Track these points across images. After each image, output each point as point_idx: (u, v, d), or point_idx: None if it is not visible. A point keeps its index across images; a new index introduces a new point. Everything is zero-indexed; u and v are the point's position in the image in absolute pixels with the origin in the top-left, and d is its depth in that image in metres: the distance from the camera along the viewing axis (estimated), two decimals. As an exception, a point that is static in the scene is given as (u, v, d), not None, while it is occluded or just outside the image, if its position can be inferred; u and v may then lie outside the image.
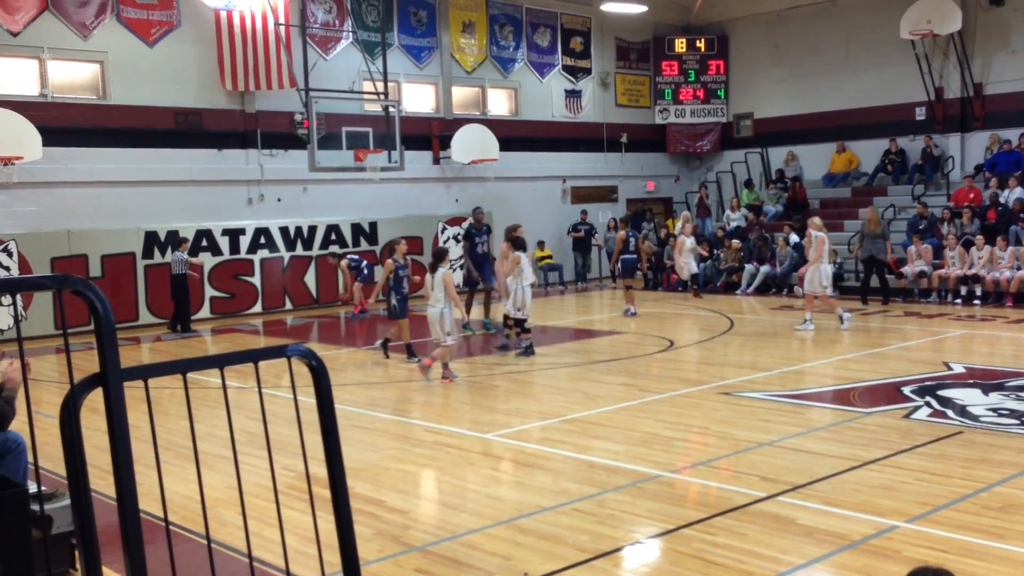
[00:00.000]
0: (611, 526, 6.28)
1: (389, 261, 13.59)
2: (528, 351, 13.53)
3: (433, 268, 11.79)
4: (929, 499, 6.63)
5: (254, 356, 2.41)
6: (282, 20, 19.58)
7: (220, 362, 2.28)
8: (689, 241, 19.97)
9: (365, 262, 19.60)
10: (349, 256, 19.95)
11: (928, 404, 9.67)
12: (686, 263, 19.95)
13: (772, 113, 25.99)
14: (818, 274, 15.22)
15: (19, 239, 16.78)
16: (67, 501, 5.28)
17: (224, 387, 2.64)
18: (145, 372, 2.22)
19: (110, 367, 2.19)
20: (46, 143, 16.70)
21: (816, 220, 15.73)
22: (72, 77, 18.14)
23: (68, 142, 17.43)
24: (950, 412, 9.32)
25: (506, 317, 14.25)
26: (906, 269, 19.29)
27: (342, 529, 2.44)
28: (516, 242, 13.63)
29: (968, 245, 18.71)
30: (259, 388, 2.57)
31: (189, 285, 17.46)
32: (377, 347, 14.18)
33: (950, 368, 11.73)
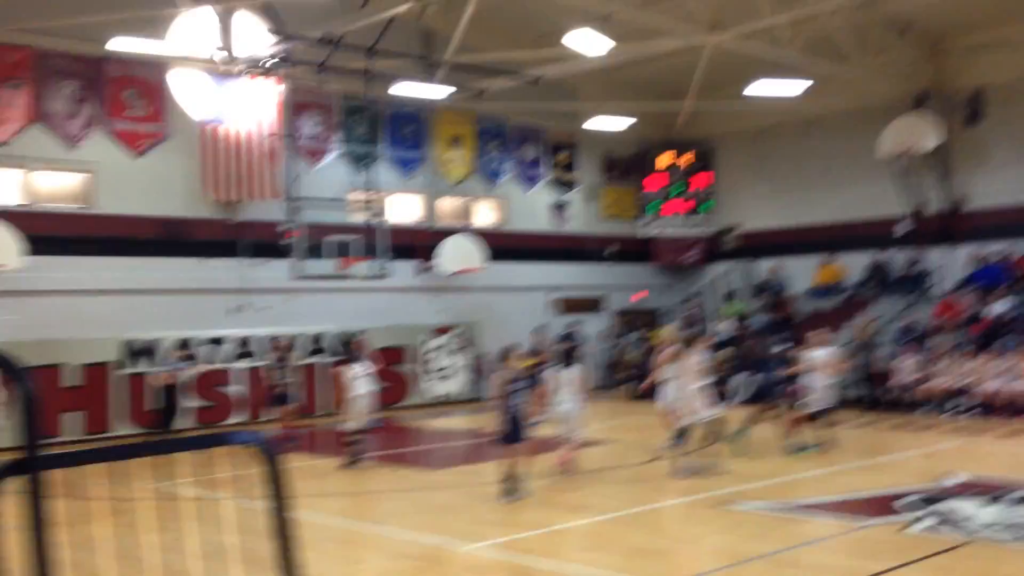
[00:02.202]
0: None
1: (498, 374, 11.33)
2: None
3: (567, 365, 12.08)
4: (934, 616, 6.28)
5: (195, 443, 2.19)
6: (272, 132, 19.80)
7: (152, 450, 2.06)
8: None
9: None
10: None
11: (927, 516, 9.34)
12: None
13: (758, 226, 26.24)
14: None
15: (-4, 347, 16.46)
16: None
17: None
18: (69, 459, 1.99)
19: (31, 452, 1.96)
20: (29, 251, 16.58)
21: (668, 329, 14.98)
22: (58, 186, 18.17)
23: (52, 251, 17.30)
24: (949, 525, 8.99)
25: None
26: (894, 381, 19.11)
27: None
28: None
29: (960, 356, 18.60)
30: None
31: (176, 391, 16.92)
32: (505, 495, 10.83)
33: (947, 480, 11.41)
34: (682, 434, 12.35)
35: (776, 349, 20.86)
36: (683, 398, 12.47)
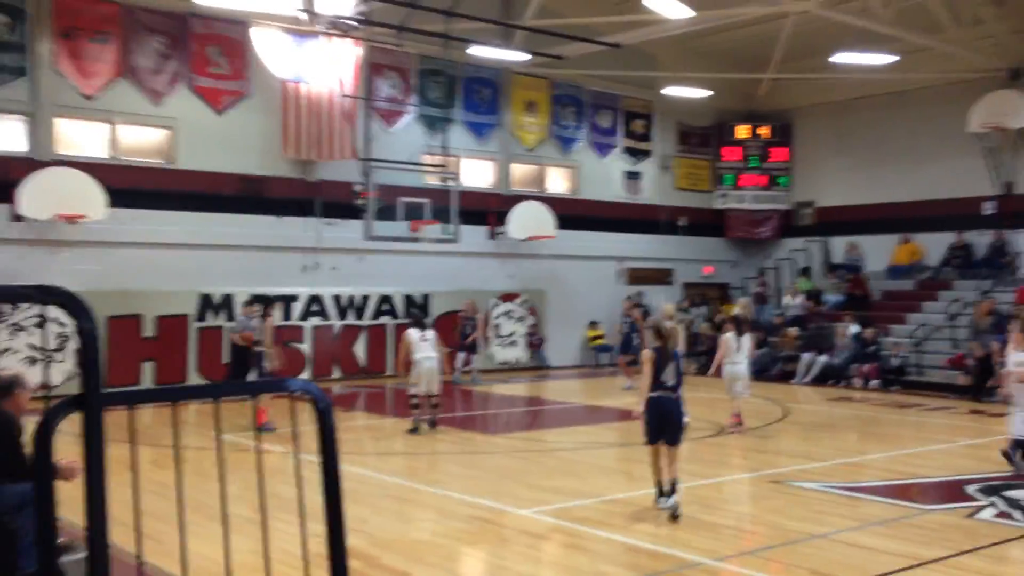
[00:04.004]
0: (648, 613, 5.91)
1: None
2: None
3: (740, 332, 13.67)
4: (994, 605, 6.15)
5: (252, 388, 2.24)
6: (348, 93, 19.98)
7: (213, 392, 2.11)
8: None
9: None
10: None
11: (994, 504, 9.11)
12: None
13: (835, 202, 25.62)
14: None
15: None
16: (82, 554, 5.10)
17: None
18: (130, 398, 2.06)
19: (91, 391, 2.02)
20: (112, 204, 17.08)
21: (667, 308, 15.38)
22: (141, 141, 18.64)
23: (133, 204, 17.78)
24: (1017, 514, 8.75)
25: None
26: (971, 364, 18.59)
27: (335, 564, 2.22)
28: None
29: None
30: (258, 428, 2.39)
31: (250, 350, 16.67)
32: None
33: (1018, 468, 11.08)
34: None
35: (851, 331, 20.53)
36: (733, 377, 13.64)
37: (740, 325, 14.07)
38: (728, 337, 13.71)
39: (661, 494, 8.74)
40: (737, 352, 13.58)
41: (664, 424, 8.78)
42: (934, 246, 23.33)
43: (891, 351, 20.11)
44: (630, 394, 14.17)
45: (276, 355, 14.04)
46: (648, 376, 8.82)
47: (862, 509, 9.00)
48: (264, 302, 14.41)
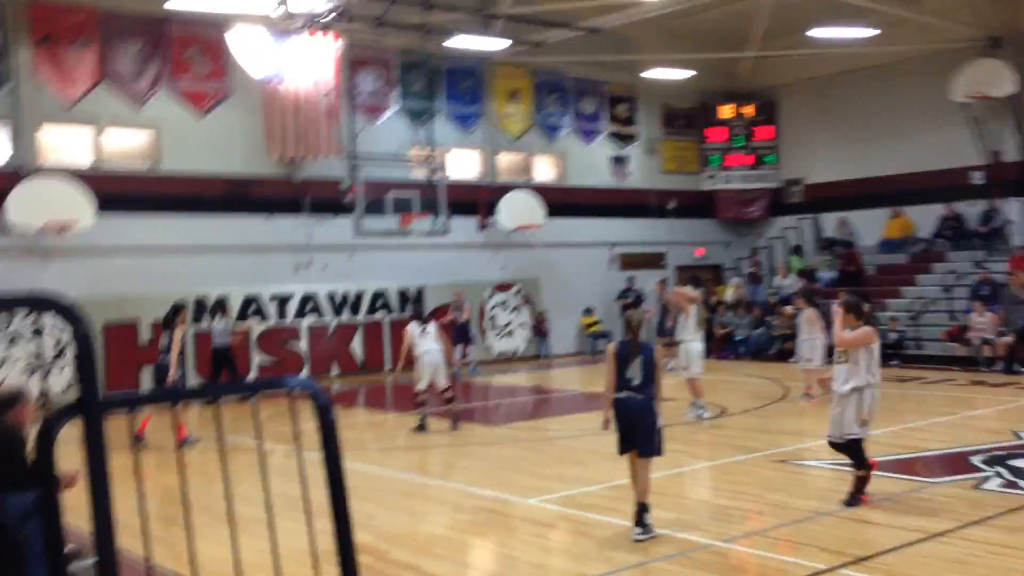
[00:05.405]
0: (660, 598, 5.87)
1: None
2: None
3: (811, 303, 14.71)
4: (1003, 573, 6.14)
5: (247, 388, 2.17)
6: (330, 89, 19.85)
7: (213, 392, 2.04)
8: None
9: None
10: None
11: (999, 474, 9.10)
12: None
13: (824, 178, 25.59)
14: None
15: (69, 304, 16.89)
16: (90, 560, 5.03)
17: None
18: (130, 400, 1.99)
19: (88, 394, 1.95)
20: (99, 210, 16.95)
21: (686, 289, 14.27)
22: (125, 146, 18.49)
23: (121, 209, 17.65)
24: (1023, 483, 8.75)
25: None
26: (971, 336, 18.61)
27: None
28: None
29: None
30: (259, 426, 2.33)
31: (235, 354, 17.02)
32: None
33: (1021, 438, 11.10)
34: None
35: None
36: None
37: (812, 301, 14.93)
38: (810, 313, 14.58)
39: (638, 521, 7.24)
40: (811, 327, 14.47)
41: (633, 430, 7.40)
42: (925, 218, 23.34)
43: (888, 326, 20.11)
44: (670, 375, 13.74)
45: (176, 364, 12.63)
46: (609, 372, 7.55)
47: (868, 485, 8.96)
48: (174, 309, 12.97)
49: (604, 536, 7.39)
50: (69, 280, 16.66)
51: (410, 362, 13.04)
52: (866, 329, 8.05)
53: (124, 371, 17.14)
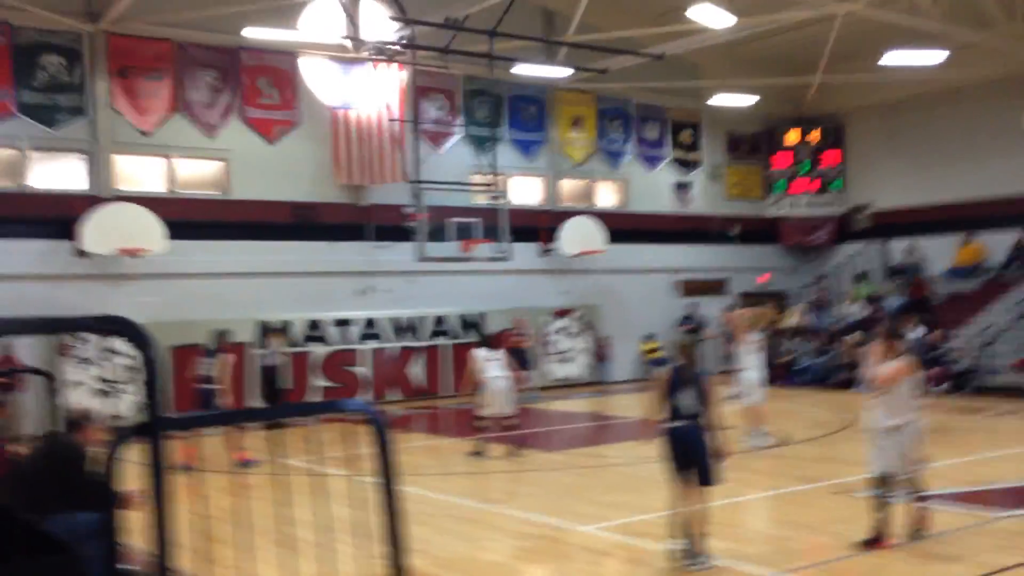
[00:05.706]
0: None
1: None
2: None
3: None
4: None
5: (306, 410, 2.27)
6: (396, 117, 20.20)
7: (269, 415, 2.14)
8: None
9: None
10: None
11: (1071, 509, 8.83)
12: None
13: (891, 204, 25.16)
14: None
15: (141, 327, 17.36)
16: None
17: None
18: (189, 422, 2.10)
19: (153, 417, 2.06)
20: (171, 236, 17.45)
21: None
22: (197, 173, 19.04)
23: (191, 235, 18.15)
24: (1097, 518, 8.47)
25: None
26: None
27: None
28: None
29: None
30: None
31: (280, 375, 17.12)
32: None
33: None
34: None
35: (916, 334, 20.05)
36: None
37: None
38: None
39: (689, 553, 7.14)
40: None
41: (687, 460, 7.31)
42: (997, 245, 22.77)
43: (957, 354, 19.63)
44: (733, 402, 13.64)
45: (228, 391, 12.90)
46: (654, 401, 7.51)
47: (933, 518, 8.77)
48: (221, 336, 13.31)
49: (660, 565, 7.35)
50: (139, 303, 17.17)
51: (474, 387, 13.10)
52: (907, 359, 7.85)
53: (191, 394, 17.49)
